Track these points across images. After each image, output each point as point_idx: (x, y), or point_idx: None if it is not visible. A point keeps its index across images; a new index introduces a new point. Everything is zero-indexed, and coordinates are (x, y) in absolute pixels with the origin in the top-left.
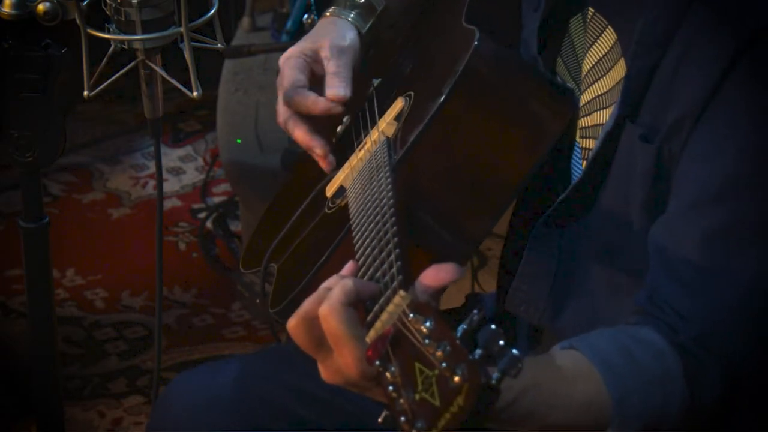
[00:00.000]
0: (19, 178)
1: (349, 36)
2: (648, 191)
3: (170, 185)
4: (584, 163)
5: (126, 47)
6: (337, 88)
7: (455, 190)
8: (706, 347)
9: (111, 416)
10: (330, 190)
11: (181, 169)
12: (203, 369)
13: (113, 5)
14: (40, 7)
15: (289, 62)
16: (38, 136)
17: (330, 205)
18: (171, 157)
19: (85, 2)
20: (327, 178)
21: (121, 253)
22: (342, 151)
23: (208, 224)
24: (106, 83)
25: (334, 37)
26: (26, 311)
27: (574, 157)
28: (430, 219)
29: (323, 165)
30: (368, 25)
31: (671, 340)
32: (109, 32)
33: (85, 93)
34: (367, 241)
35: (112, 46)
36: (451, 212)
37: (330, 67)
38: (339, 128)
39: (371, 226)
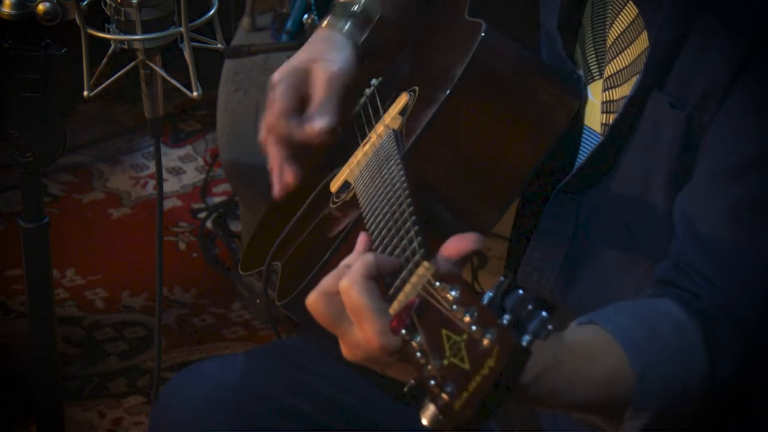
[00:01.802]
0: (19, 178)
1: (342, 57)
2: (675, 160)
3: (170, 185)
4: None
5: (126, 47)
6: (321, 120)
7: (462, 180)
8: (730, 315)
9: (111, 416)
10: (335, 186)
11: (181, 169)
12: (203, 366)
13: (113, 5)
14: (40, 7)
15: (281, 83)
16: (38, 136)
17: (335, 199)
18: (171, 157)
19: (85, 2)
20: (331, 174)
21: (121, 253)
22: (345, 147)
23: (208, 224)
24: (106, 83)
25: (327, 59)
26: (26, 311)
27: (588, 140)
28: (438, 208)
29: (277, 190)
30: (364, 36)
31: (691, 308)
32: (109, 32)
33: (85, 93)
34: (382, 223)
35: (112, 46)
36: (458, 202)
37: (318, 95)
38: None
39: (385, 209)
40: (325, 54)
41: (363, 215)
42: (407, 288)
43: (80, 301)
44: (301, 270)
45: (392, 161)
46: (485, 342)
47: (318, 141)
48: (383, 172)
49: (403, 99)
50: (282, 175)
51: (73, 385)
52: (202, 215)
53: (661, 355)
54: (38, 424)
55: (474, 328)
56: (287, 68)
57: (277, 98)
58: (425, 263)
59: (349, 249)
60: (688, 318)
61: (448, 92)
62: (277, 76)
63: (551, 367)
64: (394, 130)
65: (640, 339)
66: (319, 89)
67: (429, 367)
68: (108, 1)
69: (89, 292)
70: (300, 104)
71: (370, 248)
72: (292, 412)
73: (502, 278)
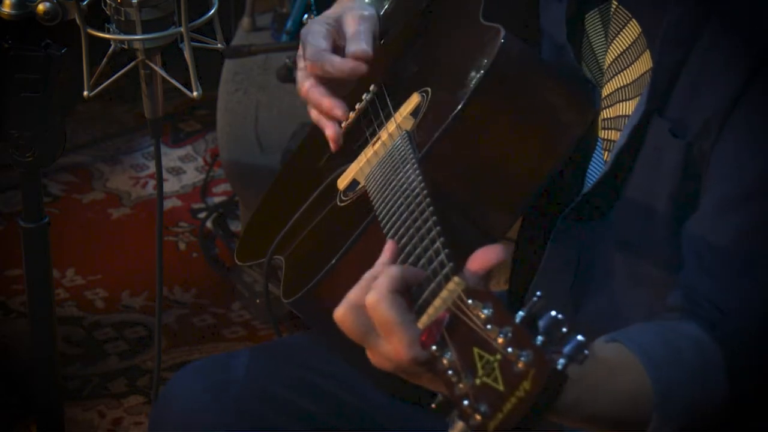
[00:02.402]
0: (19, 178)
1: (369, 10)
2: (676, 185)
3: (170, 185)
4: (606, 154)
5: (126, 47)
6: (359, 44)
7: (478, 184)
8: (743, 342)
9: (111, 416)
10: (342, 183)
11: (181, 169)
12: (203, 366)
13: (113, 5)
14: (40, 7)
15: (312, 31)
16: (38, 136)
17: (342, 197)
18: (171, 157)
19: (85, 2)
20: (337, 171)
21: (121, 253)
22: (350, 146)
23: (208, 224)
24: (106, 83)
25: (355, 8)
26: (26, 311)
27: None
28: (453, 212)
29: (332, 133)
30: (384, 9)
31: (711, 334)
32: (109, 32)
33: (85, 93)
34: (402, 230)
35: (112, 46)
36: (472, 207)
37: (351, 30)
38: (344, 124)
39: (404, 215)
40: (353, 7)
41: (378, 217)
42: (437, 302)
43: (80, 301)
44: (309, 267)
45: (408, 165)
46: (520, 364)
47: (358, 71)
48: (399, 175)
49: (414, 100)
50: (332, 114)
51: (73, 385)
52: (202, 215)
53: (683, 375)
54: (38, 424)
55: (510, 349)
56: (320, 18)
57: (309, 42)
58: (456, 278)
59: (362, 249)
60: (709, 340)
61: (467, 97)
62: (305, 30)
63: (576, 378)
64: (407, 132)
65: (662, 358)
66: (351, 26)
67: (461, 385)
68: (108, 1)
69: (89, 292)
70: (333, 50)
71: (395, 259)
72: (294, 411)
73: (534, 299)
